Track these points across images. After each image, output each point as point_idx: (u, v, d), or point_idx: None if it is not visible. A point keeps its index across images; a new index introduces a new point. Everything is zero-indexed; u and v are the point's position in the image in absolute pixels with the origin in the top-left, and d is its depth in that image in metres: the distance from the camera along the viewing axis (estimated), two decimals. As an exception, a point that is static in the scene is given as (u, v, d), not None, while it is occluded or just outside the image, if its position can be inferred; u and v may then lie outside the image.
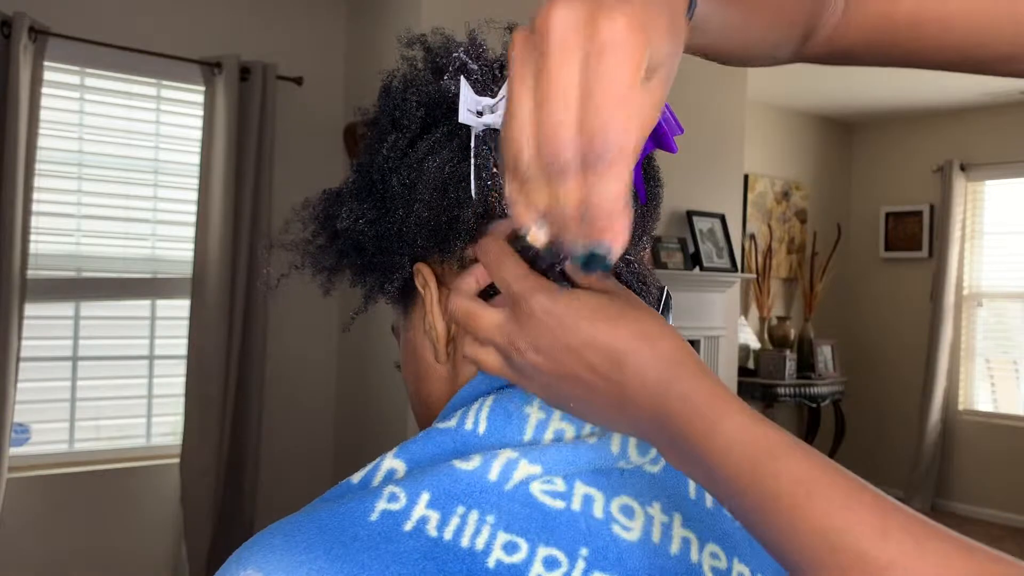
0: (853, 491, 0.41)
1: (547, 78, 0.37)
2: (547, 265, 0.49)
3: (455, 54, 0.57)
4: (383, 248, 0.61)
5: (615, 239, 0.38)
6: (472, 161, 0.55)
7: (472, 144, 0.55)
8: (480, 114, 0.53)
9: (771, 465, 0.42)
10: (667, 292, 0.61)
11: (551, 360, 0.47)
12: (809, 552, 0.41)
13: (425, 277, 0.59)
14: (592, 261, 0.39)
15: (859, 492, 0.41)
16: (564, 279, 0.49)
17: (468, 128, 0.55)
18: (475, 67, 0.56)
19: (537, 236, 0.40)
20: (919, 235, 5.52)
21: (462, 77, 0.54)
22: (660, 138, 0.57)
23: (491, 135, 0.55)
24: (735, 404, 0.44)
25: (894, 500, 0.42)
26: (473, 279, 0.53)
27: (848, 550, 0.40)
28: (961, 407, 5.35)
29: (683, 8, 0.44)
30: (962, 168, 5.28)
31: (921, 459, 5.22)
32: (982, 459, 5.21)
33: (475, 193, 0.55)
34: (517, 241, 0.49)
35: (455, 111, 0.55)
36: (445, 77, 0.58)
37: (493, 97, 0.54)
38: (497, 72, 0.57)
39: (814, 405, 5.17)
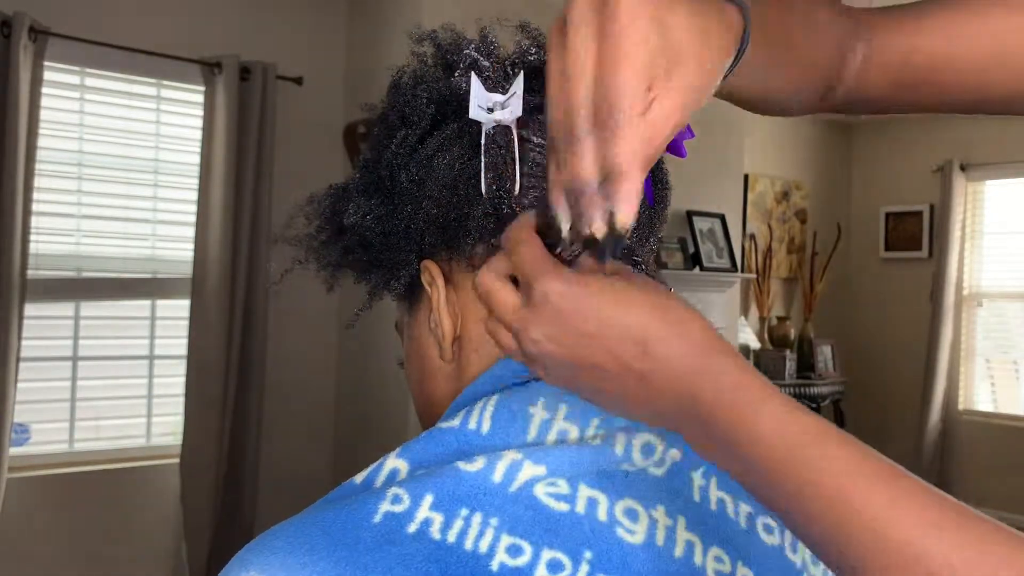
0: (899, 481, 0.39)
1: (568, 52, 0.42)
2: (570, 256, 0.46)
3: (466, 51, 0.57)
4: (390, 245, 0.61)
5: (625, 202, 0.42)
6: (482, 158, 0.54)
7: (483, 141, 0.54)
8: (491, 111, 0.53)
9: (809, 453, 0.40)
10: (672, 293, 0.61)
11: (567, 349, 0.44)
12: (854, 549, 0.39)
13: (432, 275, 0.59)
14: (608, 240, 0.42)
15: (906, 482, 0.39)
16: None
17: (479, 125, 0.55)
18: (486, 64, 0.56)
19: (561, 224, 0.44)
20: (919, 235, 5.52)
21: (473, 74, 0.54)
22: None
23: (502, 132, 0.54)
24: (769, 391, 0.42)
25: (941, 492, 0.40)
26: (506, 261, 0.48)
27: (896, 546, 0.38)
28: (961, 407, 5.35)
29: (720, 10, 0.46)
30: (962, 168, 5.28)
31: (921, 459, 5.22)
32: (982, 459, 5.21)
33: (485, 191, 0.55)
34: (545, 235, 0.47)
35: (465, 108, 0.54)
36: (456, 74, 0.57)
37: (504, 94, 0.53)
38: (508, 69, 0.57)
39: (814, 405, 5.17)
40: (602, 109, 0.41)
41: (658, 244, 0.64)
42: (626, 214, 0.42)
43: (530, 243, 0.46)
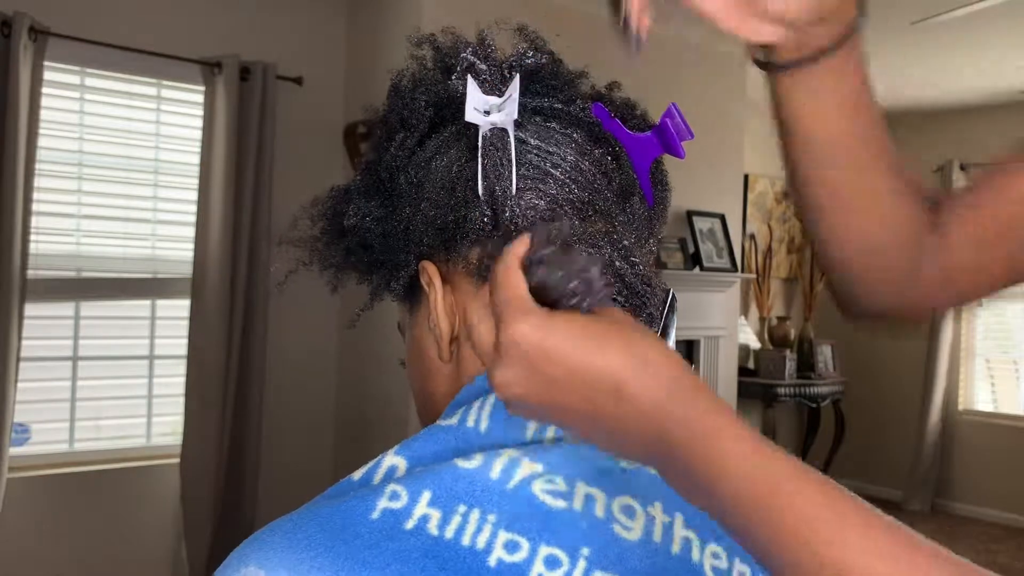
0: (865, 523, 0.40)
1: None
2: (556, 297, 0.46)
3: (463, 54, 0.57)
4: (389, 246, 0.61)
5: None
6: (480, 161, 0.55)
7: (480, 144, 0.55)
8: (487, 113, 0.53)
9: (778, 500, 0.41)
10: (672, 294, 0.61)
11: (535, 393, 0.45)
12: None
13: (430, 275, 0.59)
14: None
15: (872, 523, 0.40)
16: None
17: (476, 128, 0.55)
18: (483, 67, 0.56)
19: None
20: (919, 235, 5.51)
21: (469, 77, 0.54)
22: (668, 142, 0.57)
23: (498, 134, 0.55)
24: (737, 430, 0.43)
25: (910, 531, 0.41)
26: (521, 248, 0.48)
27: None
28: (961, 407, 5.36)
29: None
30: (962, 168, 5.28)
31: (921, 459, 5.22)
32: (982, 459, 5.21)
33: (482, 193, 0.55)
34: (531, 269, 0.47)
35: (463, 111, 0.55)
36: (453, 77, 0.58)
37: (501, 96, 0.54)
38: (505, 72, 0.57)
39: (814, 405, 5.17)
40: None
41: (658, 245, 0.64)
42: None
43: (506, 284, 0.46)
